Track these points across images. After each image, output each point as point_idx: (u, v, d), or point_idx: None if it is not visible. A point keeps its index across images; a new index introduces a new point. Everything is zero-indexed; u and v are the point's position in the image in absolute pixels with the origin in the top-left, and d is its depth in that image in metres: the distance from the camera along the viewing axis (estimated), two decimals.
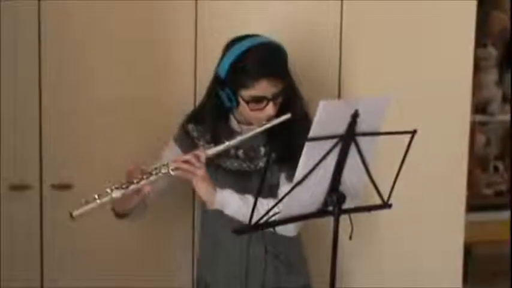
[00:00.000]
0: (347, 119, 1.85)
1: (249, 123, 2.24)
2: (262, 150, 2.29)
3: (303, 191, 1.88)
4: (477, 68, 3.25)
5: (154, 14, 2.59)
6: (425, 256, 2.88)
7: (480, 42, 4.01)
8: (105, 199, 2.06)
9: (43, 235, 2.60)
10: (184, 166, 2.13)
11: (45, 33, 2.52)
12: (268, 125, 2.19)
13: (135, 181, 2.09)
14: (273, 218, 1.91)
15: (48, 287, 2.62)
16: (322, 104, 1.80)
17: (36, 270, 2.61)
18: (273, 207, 1.91)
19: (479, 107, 4.15)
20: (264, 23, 2.55)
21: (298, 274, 2.39)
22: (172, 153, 2.28)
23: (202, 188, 2.15)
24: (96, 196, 2.05)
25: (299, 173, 1.86)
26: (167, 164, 2.14)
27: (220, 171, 2.28)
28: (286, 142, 2.20)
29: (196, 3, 2.62)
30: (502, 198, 4.29)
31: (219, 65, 2.22)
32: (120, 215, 2.24)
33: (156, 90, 2.62)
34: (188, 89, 2.62)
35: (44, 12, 2.51)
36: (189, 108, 2.44)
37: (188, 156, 2.14)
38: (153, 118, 2.61)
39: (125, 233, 2.65)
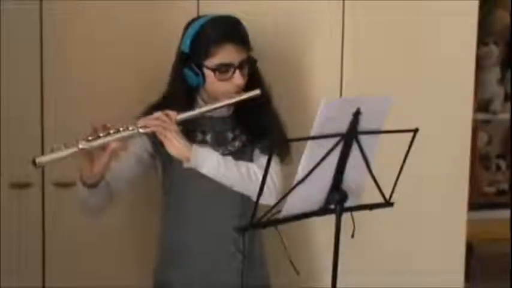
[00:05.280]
0: (349, 117, 1.86)
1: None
2: (230, 135, 2.26)
3: (305, 189, 1.88)
4: (479, 66, 3.25)
5: (156, 14, 2.59)
6: (427, 254, 2.89)
7: (482, 40, 4.00)
8: (71, 149, 2.00)
9: (45, 233, 2.60)
10: (155, 122, 2.07)
11: (47, 32, 2.52)
12: (238, 98, 2.16)
13: (101, 135, 2.02)
14: (275, 217, 1.91)
15: (50, 284, 2.62)
16: (324, 102, 1.80)
17: (37, 268, 2.61)
18: (274, 205, 1.91)
19: (482, 105, 4.15)
20: (266, 23, 2.55)
21: (260, 274, 2.36)
22: (138, 142, 2.20)
23: (176, 143, 2.06)
24: (63, 145, 2.00)
25: (301, 171, 1.86)
26: (136, 123, 2.07)
27: None
28: (254, 122, 2.21)
29: (198, 3, 2.62)
30: (504, 197, 4.29)
31: (180, 44, 2.21)
32: (86, 184, 2.09)
33: (158, 89, 2.61)
34: None
35: (46, 11, 2.51)
36: None
37: (158, 114, 2.08)
38: None
39: (127, 232, 2.65)
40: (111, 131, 2.03)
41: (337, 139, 1.86)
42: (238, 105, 2.21)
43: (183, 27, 2.24)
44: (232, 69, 2.15)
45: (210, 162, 2.10)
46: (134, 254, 2.68)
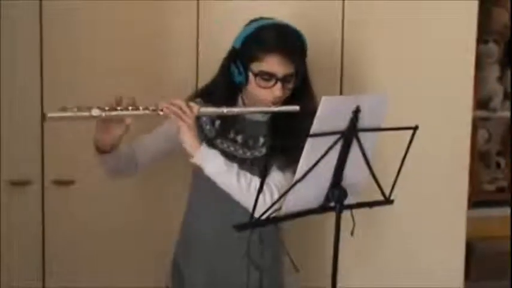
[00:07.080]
0: (349, 115, 1.86)
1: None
2: (262, 140, 2.24)
3: (305, 186, 1.88)
4: (479, 64, 3.24)
5: (156, 14, 2.60)
6: (427, 252, 2.89)
7: (481, 38, 4.00)
8: (83, 113, 1.98)
9: (44, 230, 2.60)
10: (175, 109, 2.07)
11: (47, 31, 2.53)
12: (273, 109, 2.15)
13: (119, 108, 2.03)
14: (275, 214, 1.91)
15: (49, 282, 2.62)
16: (324, 100, 1.80)
17: (37, 265, 2.61)
18: (274, 203, 1.91)
19: (481, 103, 4.15)
20: None
21: (269, 275, 2.31)
22: (172, 125, 2.15)
23: (187, 137, 2.08)
24: (76, 108, 1.98)
25: (301, 169, 1.86)
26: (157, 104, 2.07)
27: None
28: (287, 136, 2.17)
29: (198, 3, 2.62)
30: (504, 195, 4.28)
31: (236, 38, 2.19)
32: (100, 150, 2.13)
33: (157, 88, 2.61)
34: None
35: (45, 11, 2.51)
36: None
37: (182, 104, 2.08)
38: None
39: (127, 230, 2.65)
40: (130, 108, 2.04)
41: (337, 137, 1.86)
42: (274, 113, 2.20)
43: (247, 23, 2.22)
44: (274, 80, 2.13)
45: (212, 165, 2.10)
46: (135, 252, 2.68)
